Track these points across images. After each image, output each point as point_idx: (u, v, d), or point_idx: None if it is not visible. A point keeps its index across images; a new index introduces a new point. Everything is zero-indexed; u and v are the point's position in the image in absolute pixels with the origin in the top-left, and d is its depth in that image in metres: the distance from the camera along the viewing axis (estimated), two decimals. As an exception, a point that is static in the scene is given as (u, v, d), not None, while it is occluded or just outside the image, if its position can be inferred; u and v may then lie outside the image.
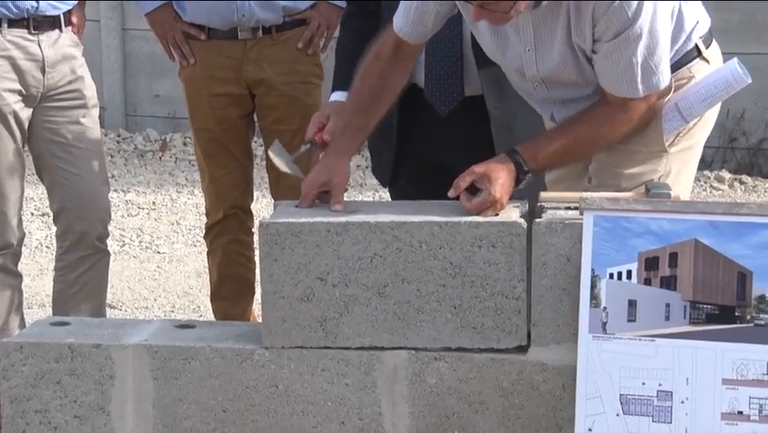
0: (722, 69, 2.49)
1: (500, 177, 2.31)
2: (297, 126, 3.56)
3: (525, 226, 2.26)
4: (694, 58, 2.50)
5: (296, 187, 3.58)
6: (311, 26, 3.56)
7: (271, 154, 2.82)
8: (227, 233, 3.66)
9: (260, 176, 3.79)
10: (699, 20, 2.53)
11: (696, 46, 2.51)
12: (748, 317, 2.15)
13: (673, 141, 2.51)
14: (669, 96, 2.47)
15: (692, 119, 2.50)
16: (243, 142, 3.65)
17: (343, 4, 3.62)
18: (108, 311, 3.75)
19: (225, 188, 3.64)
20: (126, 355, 2.33)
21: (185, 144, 6.99)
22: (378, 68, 2.56)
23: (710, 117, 2.60)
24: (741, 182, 6.28)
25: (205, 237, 3.77)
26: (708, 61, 2.51)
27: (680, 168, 2.55)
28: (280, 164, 2.81)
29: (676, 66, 2.48)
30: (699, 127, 2.57)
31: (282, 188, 3.63)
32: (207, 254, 3.77)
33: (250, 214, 3.72)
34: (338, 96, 2.90)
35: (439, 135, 2.88)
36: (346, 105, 2.64)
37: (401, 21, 2.54)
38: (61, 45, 3.25)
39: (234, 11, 3.49)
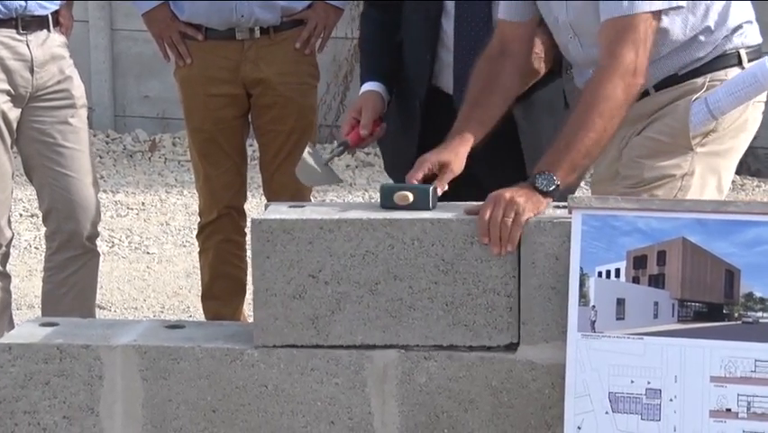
0: (752, 66, 2.50)
1: (526, 206, 2.23)
2: (291, 126, 3.57)
3: (515, 224, 2.26)
4: (734, 65, 2.50)
5: (288, 186, 3.61)
6: (308, 26, 3.56)
7: (305, 161, 2.78)
8: (220, 232, 3.66)
9: (249, 176, 3.79)
10: (745, 25, 2.54)
11: (738, 54, 2.51)
12: (736, 314, 2.16)
13: (701, 140, 2.49)
14: (699, 94, 2.47)
15: (719, 114, 2.48)
16: (238, 143, 3.65)
17: (341, 5, 3.64)
18: (97, 312, 3.75)
19: (219, 188, 3.64)
20: (115, 356, 2.33)
21: (174, 145, 6.98)
22: (486, 68, 2.56)
23: (743, 127, 2.58)
24: (729, 181, 6.31)
25: (197, 236, 3.77)
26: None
27: (704, 172, 2.51)
28: (308, 176, 2.78)
29: (713, 65, 2.48)
30: (730, 134, 2.54)
31: (275, 186, 3.63)
32: (199, 253, 3.77)
33: (243, 214, 3.72)
34: (369, 86, 2.93)
35: None
36: (464, 103, 2.58)
37: (501, 6, 2.57)
38: (50, 45, 3.25)
39: (233, 11, 3.49)
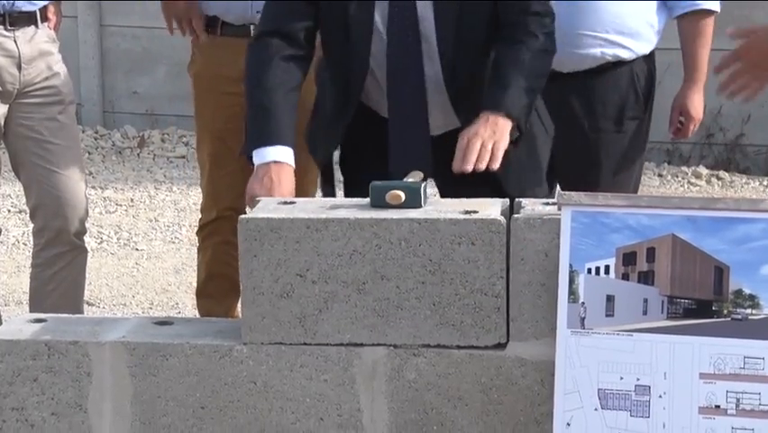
0: None
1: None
2: (299, 125, 3.54)
3: (504, 224, 2.26)
4: None
5: (295, 183, 3.57)
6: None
7: None
8: (219, 234, 3.64)
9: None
10: None
11: None
12: (725, 311, 2.16)
13: None
14: None
15: None
16: None
17: None
18: (86, 308, 3.74)
19: (223, 189, 3.61)
20: (104, 352, 2.32)
21: (163, 141, 6.97)
22: None
23: None
24: (718, 178, 6.32)
25: (197, 234, 3.76)
26: None
27: None
28: None
29: None
30: None
31: None
32: (197, 250, 3.76)
33: None
34: (282, 154, 2.67)
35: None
36: None
37: None
38: (37, 41, 3.23)
39: (250, 6, 3.46)
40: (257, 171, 2.64)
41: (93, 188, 5.85)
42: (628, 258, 2.20)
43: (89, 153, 6.70)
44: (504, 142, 2.61)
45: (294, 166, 2.66)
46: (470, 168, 2.54)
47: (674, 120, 3.53)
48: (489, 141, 2.58)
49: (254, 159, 2.66)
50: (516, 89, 2.65)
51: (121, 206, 5.86)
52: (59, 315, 2.54)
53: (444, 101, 2.78)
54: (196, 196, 5.65)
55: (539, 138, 2.90)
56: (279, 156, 2.63)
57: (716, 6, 3.44)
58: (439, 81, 2.75)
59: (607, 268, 2.21)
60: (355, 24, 2.69)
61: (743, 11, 6.07)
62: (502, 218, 2.28)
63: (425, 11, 2.70)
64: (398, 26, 2.69)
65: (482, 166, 2.57)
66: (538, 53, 2.71)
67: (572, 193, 2.26)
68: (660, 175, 6.35)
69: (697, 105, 3.50)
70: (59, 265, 3.31)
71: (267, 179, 2.60)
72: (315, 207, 2.35)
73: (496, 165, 2.58)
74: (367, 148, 2.82)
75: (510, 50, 2.69)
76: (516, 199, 2.37)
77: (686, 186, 6.27)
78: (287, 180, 2.62)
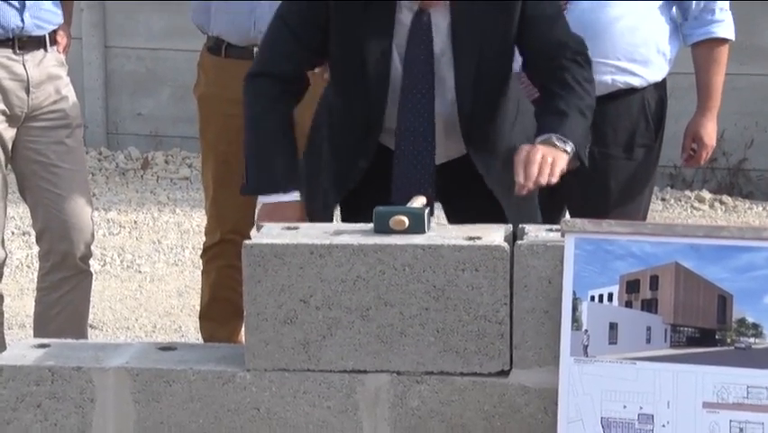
0: None
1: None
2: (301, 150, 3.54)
3: (508, 250, 2.27)
4: None
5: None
6: None
7: None
8: (223, 257, 3.63)
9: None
10: None
11: None
12: (729, 340, 2.16)
13: None
14: None
15: None
16: None
17: None
18: (89, 332, 3.74)
19: (227, 212, 3.61)
20: (107, 378, 2.32)
21: (167, 162, 6.98)
22: None
23: None
24: (721, 202, 6.32)
25: (201, 257, 3.76)
26: None
27: None
28: None
29: None
30: None
31: None
32: (201, 273, 3.76)
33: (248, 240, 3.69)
34: (293, 197, 2.73)
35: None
36: None
37: None
38: (46, 65, 3.24)
39: (252, 26, 3.47)
40: (264, 208, 2.71)
41: (96, 209, 5.85)
42: (632, 286, 2.20)
43: (93, 175, 6.71)
44: (562, 161, 2.55)
45: (300, 200, 2.71)
46: (531, 184, 2.49)
47: (687, 147, 3.52)
48: (548, 155, 2.53)
49: (260, 197, 2.72)
50: (573, 119, 2.62)
51: (124, 228, 5.86)
52: (63, 340, 2.54)
53: (453, 133, 2.77)
54: (199, 218, 5.65)
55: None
56: (285, 195, 2.68)
57: (730, 34, 3.44)
58: (450, 115, 2.74)
59: (610, 295, 2.21)
60: (372, 63, 2.69)
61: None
62: (506, 245, 2.28)
63: (444, 48, 2.70)
64: (414, 63, 2.69)
65: (543, 180, 2.51)
66: (586, 83, 2.70)
67: (576, 220, 2.27)
68: (663, 199, 6.35)
69: (710, 132, 3.50)
70: (64, 289, 3.31)
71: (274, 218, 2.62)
72: (318, 232, 2.36)
73: (554, 179, 2.52)
74: (368, 177, 2.81)
75: (562, 79, 2.67)
76: (520, 225, 2.38)
77: (689, 210, 6.27)
78: (295, 219, 2.64)
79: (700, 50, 3.44)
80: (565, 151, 2.57)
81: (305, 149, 2.91)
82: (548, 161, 2.51)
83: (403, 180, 2.74)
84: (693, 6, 3.36)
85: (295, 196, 2.71)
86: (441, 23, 2.69)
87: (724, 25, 3.41)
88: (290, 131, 2.74)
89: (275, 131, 2.72)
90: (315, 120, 2.96)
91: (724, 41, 3.43)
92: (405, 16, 2.69)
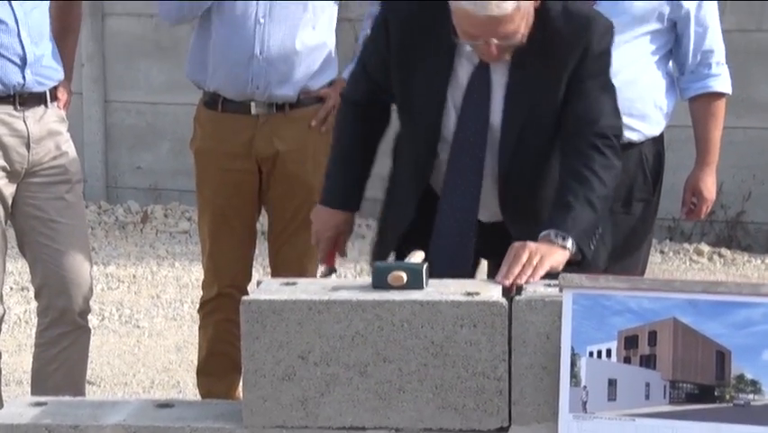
0: None
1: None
2: (299, 203, 3.54)
3: (506, 306, 2.27)
4: None
5: (293, 262, 3.59)
6: (326, 105, 3.55)
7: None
8: (220, 311, 3.63)
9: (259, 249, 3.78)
10: None
11: None
12: (727, 396, 2.16)
13: None
14: None
15: None
16: (248, 221, 3.63)
17: None
18: (87, 388, 3.72)
19: (224, 266, 3.61)
20: (105, 436, 2.31)
21: (166, 216, 6.99)
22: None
23: None
24: (720, 255, 6.31)
25: (198, 311, 3.75)
26: None
27: None
28: None
29: None
30: None
31: (281, 261, 3.62)
32: (199, 328, 3.75)
33: (246, 294, 3.69)
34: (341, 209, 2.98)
35: None
36: None
37: None
38: (47, 121, 3.25)
39: (249, 81, 3.49)
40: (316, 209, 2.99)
41: (95, 264, 5.85)
42: (630, 341, 2.20)
43: (92, 229, 6.71)
44: (551, 261, 2.45)
45: (355, 209, 2.93)
46: (508, 283, 2.40)
47: (687, 201, 3.53)
48: (536, 255, 2.44)
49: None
50: (579, 212, 2.56)
51: (123, 282, 5.85)
52: (60, 398, 2.53)
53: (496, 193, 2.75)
54: (198, 272, 5.64)
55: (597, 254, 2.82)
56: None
57: (727, 88, 3.46)
58: (496, 170, 2.73)
59: (608, 351, 2.21)
60: (426, 111, 2.72)
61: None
62: (503, 300, 2.28)
63: (497, 105, 2.69)
64: (470, 117, 2.70)
65: (521, 281, 2.40)
66: (604, 171, 2.62)
67: (573, 275, 2.27)
68: (662, 252, 6.35)
69: (710, 186, 3.51)
70: (62, 345, 3.30)
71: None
72: (316, 288, 2.36)
73: (535, 279, 2.41)
74: (420, 223, 2.81)
75: (576, 169, 2.62)
76: (517, 281, 2.38)
77: (688, 263, 6.26)
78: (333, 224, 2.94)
79: (698, 105, 3.45)
80: (563, 247, 2.50)
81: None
82: (533, 262, 2.42)
83: (444, 232, 2.73)
84: (690, 61, 3.39)
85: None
86: (499, 79, 2.68)
87: (721, 79, 3.44)
88: (357, 153, 2.89)
89: (347, 150, 2.93)
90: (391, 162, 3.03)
91: (721, 95, 3.45)
92: (464, 68, 2.69)
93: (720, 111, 3.47)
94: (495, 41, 2.56)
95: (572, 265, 2.54)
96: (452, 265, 2.64)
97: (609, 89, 2.69)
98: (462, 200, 2.73)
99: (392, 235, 2.86)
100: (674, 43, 3.38)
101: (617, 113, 2.69)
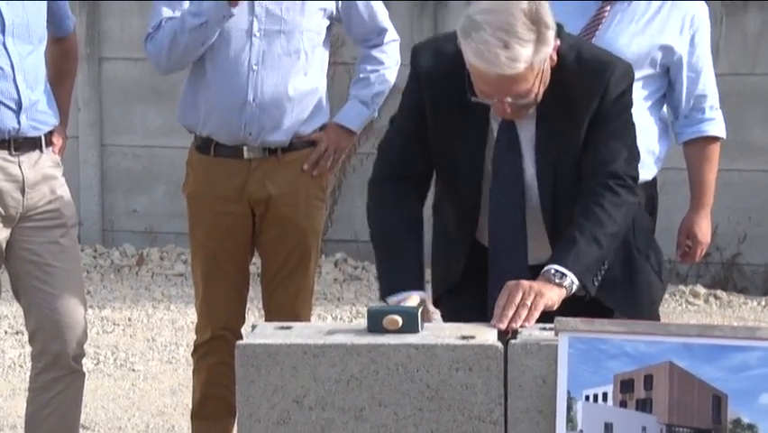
0: None
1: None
2: (291, 247, 3.55)
3: (501, 349, 2.26)
4: None
5: (286, 305, 3.59)
6: (318, 149, 3.56)
7: None
8: (214, 354, 3.62)
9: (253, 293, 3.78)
10: None
11: None
12: (724, 440, 2.15)
13: None
14: None
15: None
16: (241, 264, 3.63)
17: (354, 128, 3.65)
18: (81, 432, 3.70)
19: (217, 309, 3.60)
20: (98, 481, 2.29)
21: (161, 259, 6.98)
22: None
23: None
24: (716, 297, 6.31)
25: (192, 355, 3.74)
26: None
27: None
28: None
29: None
30: None
31: (274, 304, 3.61)
32: (193, 372, 3.74)
33: (240, 337, 3.68)
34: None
35: None
36: None
37: None
38: (42, 166, 3.26)
39: (242, 127, 3.50)
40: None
41: (91, 307, 5.84)
42: (626, 385, 2.19)
43: (88, 272, 6.70)
44: (545, 300, 2.43)
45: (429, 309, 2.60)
46: (503, 327, 2.37)
47: (682, 244, 3.53)
48: (529, 295, 2.42)
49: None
50: (583, 248, 2.55)
51: (118, 325, 5.84)
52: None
53: (542, 236, 2.72)
54: (193, 314, 5.60)
55: (652, 287, 2.85)
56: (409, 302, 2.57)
57: (721, 132, 3.47)
58: (538, 217, 2.71)
59: (605, 395, 2.20)
60: (465, 164, 2.68)
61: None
62: (499, 344, 2.28)
63: (528, 158, 2.67)
64: (503, 172, 2.67)
65: (516, 325, 2.38)
66: (614, 207, 2.60)
67: (569, 319, 2.27)
68: (658, 294, 6.34)
69: (705, 229, 3.51)
70: (56, 389, 3.28)
71: None
72: (312, 332, 2.36)
73: (530, 323, 2.39)
74: (467, 275, 2.77)
75: (586, 206, 2.60)
76: (512, 324, 2.38)
77: (684, 305, 6.26)
78: None
79: (692, 149, 3.47)
80: (559, 285, 2.49)
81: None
82: (527, 302, 2.40)
83: (499, 278, 2.65)
84: (683, 105, 3.40)
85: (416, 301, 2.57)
86: (527, 134, 2.66)
87: (715, 123, 3.45)
88: (405, 232, 2.68)
89: (394, 235, 2.68)
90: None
91: (715, 138, 3.47)
92: (495, 120, 2.67)
93: (714, 155, 3.48)
94: (509, 99, 2.53)
95: (577, 300, 2.54)
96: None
97: (628, 130, 2.69)
98: (510, 260, 2.69)
99: (441, 289, 2.80)
100: (668, 88, 3.40)
101: (634, 153, 2.69)
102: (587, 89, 2.62)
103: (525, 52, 2.46)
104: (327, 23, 3.56)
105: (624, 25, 3.30)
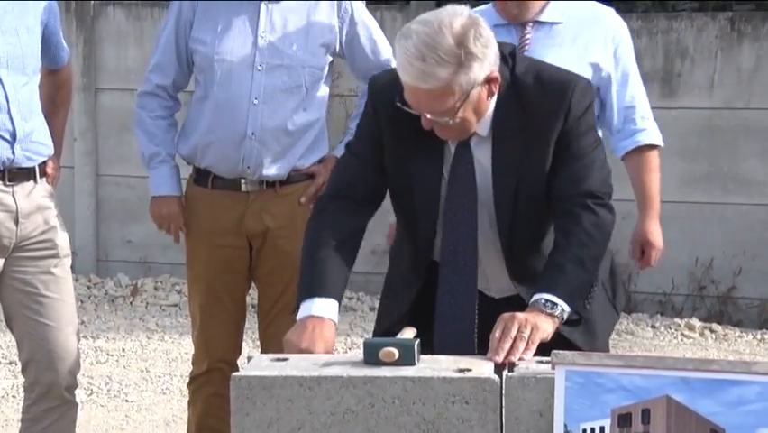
0: None
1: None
2: (288, 279, 3.54)
3: (498, 383, 2.25)
4: None
5: (282, 337, 3.57)
6: (316, 182, 3.56)
7: None
8: (210, 385, 3.61)
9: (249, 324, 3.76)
10: None
11: None
12: (723, 475, 2.14)
13: None
14: None
15: None
16: (238, 296, 3.62)
17: None
18: (73, 464, 3.68)
19: (214, 341, 3.60)
20: None
21: (156, 289, 6.97)
22: None
23: None
24: (711, 330, 6.30)
25: (188, 386, 3.73)
26: None
27: None
28: None
29: None
30: None
31: (270, 336, 3.60)
32: (188, 403, 3.73)
33: (235, 369, 3.67)
34: (327, 309, 2.61)
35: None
36: None
37: None
38: (35, 196, 3.26)
39: (241, 160, 3.50)
40: (297, 324, 2.57)
41: (84, 337, 5.82)
42: (623, 419, 2.18)
43: (82, 302, 6.68)
44: (541, 333, 2.42)
45: (336, 321, 2.59)
46: (499, 360, 2.36)
47: (636, 252, 3.60)
48: (525, 328, 2.40)
49: (299, 312, 2.58)
50: (570, 273, 2.53)
51: (112, 356, 5.81)
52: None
53: (502, 265, 2.71)
54: (188, 345, 5.61)
55: (602, 320, 2.80)
56: (321, 311, 2.57)
57: (656, 140, 3.55)
58: (497, 241, 2.69)
59: (602, 429, 2.19)
60: (422, 189, 2.67)
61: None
62: (496, 377, 2.27)
63: (484, 179, 2.66)
64: (458, 190, 2.66)
65: (514, 358, 2.36)
66: (595, 229, 2.59)
67: (566, 352, 2.26)
68: (653, 326, 6.33)
69: (656, 234, 3.58)
70: (48, 420, 3.27)
71: (304, 333, 2.51)
72: (307, 364, 2.34)
73: (528, 356, 2.38)
74: (422, 299, 2.76)
75: (567, 228, 2.59)
76: (510, 357, 2.37)
77: (679, 338, 6.25)
78: (324, 335, 2.53)
79: (631, 160, 3.55)
80: (552, 315, 2.47)
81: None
82: (524, 334, 2.38)
83: (446, 316, 2.66)
84: (615, 121, 3.48)
85: (331, 313, 2.59)
86: (483, 155, 2.65)
87: (648, 133, 3.53)
88: (346, 245, 2.65)
89: (328, 241, 2.66)
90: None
91: (651, 146, 3.53)
92: (453, 143, 2.66)
93: (654, 162, 3.55)
94: (428, 115, 2.53)
95: (571, 325, 2.54)
96: (456, 351, 2.51)
97: (595, 147, 2.68)
98: (460, 280, 2.67)
99: (396, 314, 2.77)
100: (600, 110, 3.44)
101: (605, 168, 2.69)
102: (550, 110, 2.61)
103: (440, 71, 2.46)
104: (330, 59, 3.57)
105: (549, 48, 3.33)
